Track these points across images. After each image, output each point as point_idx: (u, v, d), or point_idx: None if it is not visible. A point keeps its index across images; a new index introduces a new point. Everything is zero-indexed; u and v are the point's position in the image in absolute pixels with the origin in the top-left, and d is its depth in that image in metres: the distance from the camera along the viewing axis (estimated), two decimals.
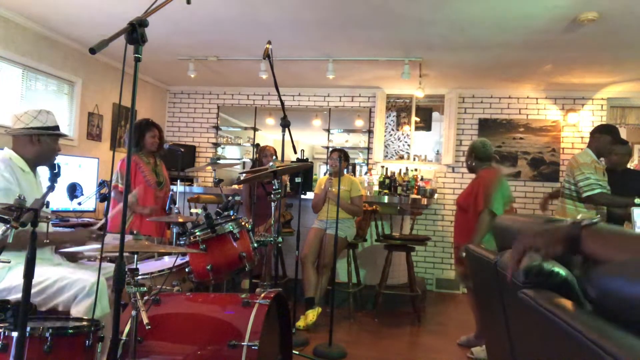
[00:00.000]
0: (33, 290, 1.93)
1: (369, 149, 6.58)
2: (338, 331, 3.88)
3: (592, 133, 3.90)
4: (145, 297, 1.93)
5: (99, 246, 1.85)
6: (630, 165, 6.76)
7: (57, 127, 2.54)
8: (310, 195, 4.79)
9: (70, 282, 2.23)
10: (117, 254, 1.55)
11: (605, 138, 3.80)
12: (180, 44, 5.03)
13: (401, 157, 6.45)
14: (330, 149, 5.57)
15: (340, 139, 6.98)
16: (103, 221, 2.37)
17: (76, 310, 2.20)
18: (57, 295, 2.24)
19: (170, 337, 1.97)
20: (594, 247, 0.98)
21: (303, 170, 3.88)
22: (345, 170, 4.60)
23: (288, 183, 4.89)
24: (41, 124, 2.46)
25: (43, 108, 2.57)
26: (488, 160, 3.75)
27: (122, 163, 3.84)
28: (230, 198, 2.68)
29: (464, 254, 3.65)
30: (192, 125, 7.07)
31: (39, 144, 2.47)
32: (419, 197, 5.23)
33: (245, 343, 1.82)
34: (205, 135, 7.03)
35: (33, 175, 2.51)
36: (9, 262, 2.12)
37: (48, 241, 2.45)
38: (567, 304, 1.20)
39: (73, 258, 2.63)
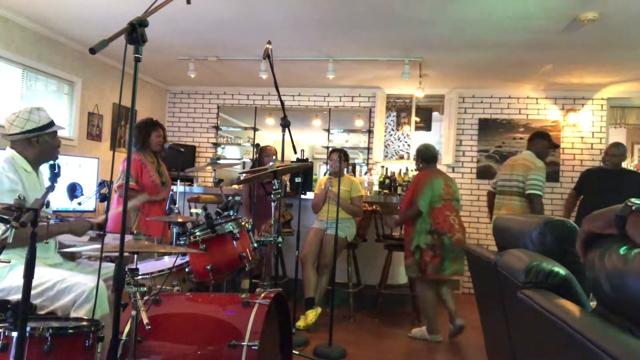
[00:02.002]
0: (32, 292, 1.92)
1: (369, 149, 6.58)
2: (338, 331, 3.87)
3: (532, 138, 4.34)
4: (145, 297, 1.93)
5: (99, 246, 1.85)
6: (631, 165, 6.79)
7: (52, 123, 2.50)
8: (310, 195, 4.79)
9: (70, 286, 2.21)
10: (117, 253, 1.55)
11: (543, 143, 4.26)
12: (180, 44, 5.03)
13: (401, 157, 6.45)
14: (330, 149, 5.58)
15: (340, 139, 6.98)
16: (104, 217, 2.36)
17: (75, 315, 2.19)
18: (56, 299, 2.22)
19: (170, 337, 1.97)
20: (633, 232, 1.01)
21: (303, 170, 3.88)
22: (345, 170, 4.60)
23: (288, 183, 4.89)
24: (36, 124, 2.42)
25: (32, 106, 2.52)
26: (433, 161, 4.12)
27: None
28: (230, 198, 2.68)
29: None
30: (192, 125, 7.07)
31: (39, 145, 2.45)
32: None
33: (245, 343, 1.82)
34: (205, 135, 7.03)
35: (36, 175, 2.51)
36: (9, 262, 2.12)
37: (48, 242, 2.45)
38: (567, 304, 1.20)
39: (72, 257, 2.62)
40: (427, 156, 4.10)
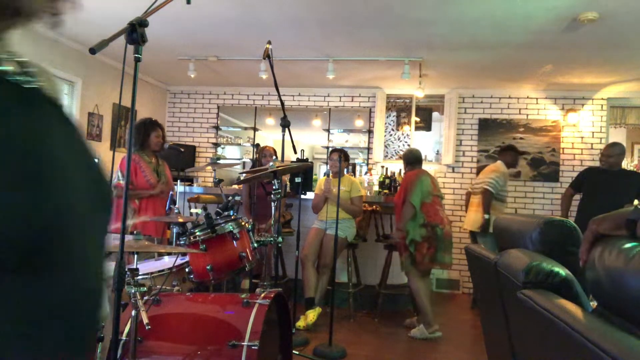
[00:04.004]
0: None
1: (369, 149, 6.57)
2: (338, 331, 3.88)
3: (501, 151, 5.11)
4: (145, 297, 1.93)
5: None
6: (631, 165, 6.79)
7: None
8: (310, 195, 4.79)
9: None
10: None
11: (511, 154, 4.99)
12: (180, 44, 5.03)
13: (401, 157, 6.44)
14: (330, 149, 5.58)
15: (340, 139, 6.98)
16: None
17: None
18: None
19: (170, 337, 1.97)
20: None
21: (303, 170, 3.88)
22: (345, 170, 4.61)
23: (288, 183, 4.89)
24: None
25: None
26: (418, 163, 4.36)
27: (123, 162, 3.81)
28: (230, 198, 2.68)
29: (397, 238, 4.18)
30: (192, 125, 7.07)
31: None
32: None
33: (245, 343, 1.82)
34: (205, 135, 7.03)
35: None
36: None
37: None
38: (567, 304, 1.20)
39: None
40: (411, 159, 4.35)
